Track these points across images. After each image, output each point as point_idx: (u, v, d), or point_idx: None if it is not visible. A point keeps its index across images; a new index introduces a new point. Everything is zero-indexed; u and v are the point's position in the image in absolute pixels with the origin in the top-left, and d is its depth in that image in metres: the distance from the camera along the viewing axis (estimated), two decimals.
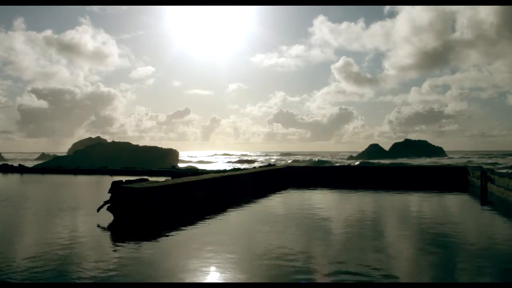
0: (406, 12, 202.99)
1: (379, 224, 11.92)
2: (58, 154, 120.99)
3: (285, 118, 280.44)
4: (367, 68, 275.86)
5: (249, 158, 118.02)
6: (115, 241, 9.68)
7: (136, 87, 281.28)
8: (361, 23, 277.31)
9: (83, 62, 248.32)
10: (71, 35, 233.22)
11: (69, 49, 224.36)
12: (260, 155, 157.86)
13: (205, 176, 17.69)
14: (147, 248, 8.64)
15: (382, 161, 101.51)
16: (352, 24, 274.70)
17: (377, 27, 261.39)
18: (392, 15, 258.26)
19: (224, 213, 13.21)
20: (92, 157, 78.83)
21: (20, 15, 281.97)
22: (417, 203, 16.28)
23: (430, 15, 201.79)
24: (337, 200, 17.58)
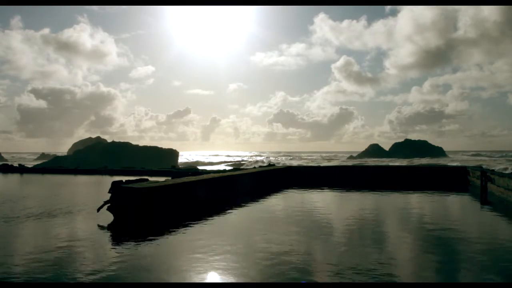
0: (409, 10, 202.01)
1: (379, 224, 11.92)
2: (58, 154, 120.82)
3: (285, 118, 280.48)
4: (368, 68, 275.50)
5: (247, 160, 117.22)
6: (115, 241, 9.69)
7: (136, 86, 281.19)
8: (363, 21, 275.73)
9: (81, 61, 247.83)
10: (69, 33, 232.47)
11: (67, 48, 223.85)
12: (259, 155, 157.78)
13: (205, 176, 17.69)
14: (147, 248, 8.64)
15: (382, 161, 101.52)
16: (354, 22, 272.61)
17: (379, 25, 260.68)
18: (395, 13, 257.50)
19: (224, 213, 13.21)
20: (92, 157, 78.74)
21: (17, 13, 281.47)
22: (417, 203, 16.28)
23: (433, 13, 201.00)
24: (337, 200, 17.57)
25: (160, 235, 9.89)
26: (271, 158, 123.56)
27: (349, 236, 9.97)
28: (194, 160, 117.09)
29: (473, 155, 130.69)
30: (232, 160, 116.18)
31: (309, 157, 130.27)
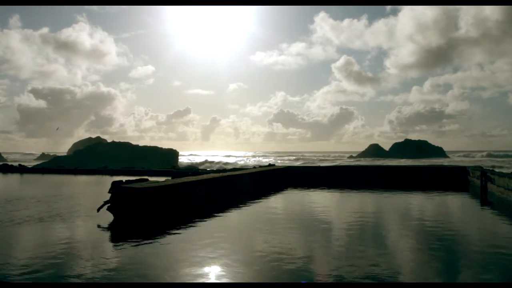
0: (410, 9, 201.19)
1: (380, 224, 11.92)
2: (58, 154, 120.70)
3: (285, 118, 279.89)
4: (368, 67, 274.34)
5: (246, 161, 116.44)
6: (115, 241, 9.68)
7: (136, 86, 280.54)
8: (363, 20, 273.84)
9: (80, 61, 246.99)
10: (68, 33, 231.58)
11: (66, 48, 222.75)
12: (259, 156, 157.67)
13: (205, 176, 17.70)
14: (147, 248, 8.65)
15: (382, 161, 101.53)
16: (355, 21, 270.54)
17: (380, 25, 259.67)
18: (395, 12, 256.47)
19: (224, 213, 13.21)
20: (92, 157, 78.72)
21: (15, 12, 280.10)
22: (417, 203, 16.28)
23: (434, 13, 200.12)
24: (337, 200, 17.57)
25: (160, 235, 9.89)
26: (262, 159, 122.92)
27: (349, 236, 9.97)
28: (194, 160, 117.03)
29: (472, 155, 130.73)
30: (230, 161, 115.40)
31: (309, 157, 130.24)
